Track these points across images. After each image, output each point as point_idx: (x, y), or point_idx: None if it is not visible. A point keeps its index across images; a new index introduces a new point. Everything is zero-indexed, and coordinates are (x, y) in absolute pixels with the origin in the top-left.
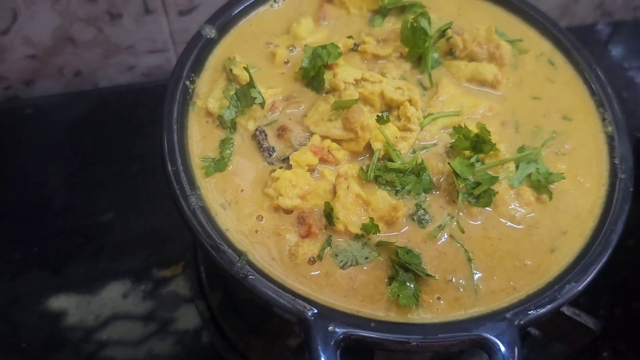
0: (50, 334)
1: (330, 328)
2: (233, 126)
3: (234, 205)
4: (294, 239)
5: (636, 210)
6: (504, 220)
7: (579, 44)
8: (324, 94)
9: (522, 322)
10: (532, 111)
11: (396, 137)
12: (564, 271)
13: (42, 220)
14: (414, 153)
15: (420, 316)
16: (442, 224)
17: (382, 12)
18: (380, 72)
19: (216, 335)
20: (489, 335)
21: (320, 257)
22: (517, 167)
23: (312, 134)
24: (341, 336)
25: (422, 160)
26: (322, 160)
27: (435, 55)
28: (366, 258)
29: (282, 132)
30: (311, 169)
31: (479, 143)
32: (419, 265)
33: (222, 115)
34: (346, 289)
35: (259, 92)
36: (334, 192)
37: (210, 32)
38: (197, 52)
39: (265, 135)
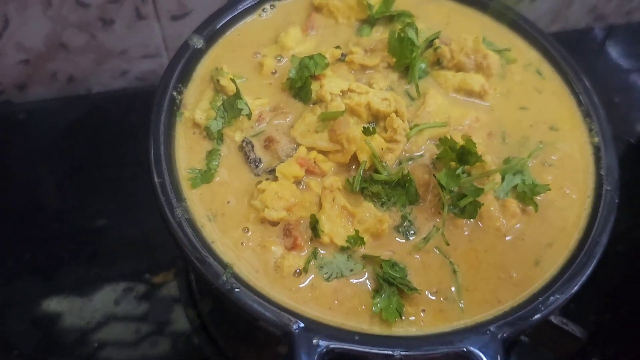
0: (43, 338)
1: (314, 341)
2: (220, 137)
3: (220, 217)
4: (280, 251)
5: (626, 216)
6: (489, 232)
7: (567, 54)
8: (311, 105)
9: (505, 335)
10: (519, 122)
11: (382, 149)
12: (548, 283)
13: (34, 225)
14: (400, 164)
15: (405, 329)
16: (428, 236)
17: (370, 22)
18: (368, 83)
19: (206, 343)
20: (472, 349)
21: (305, 270)
22: (503, 179)
23: (298, 145)
24: (325, 350)
25: (409, 171)
26: (309, 172)
27: (423, 65)
28: (351, 270)
29: (268, 143)
30: (297, 181)
31: (465, 155)
32: (404, 278)
33: (209, 127)
34: (331, 302)
35: (246, 104)
36: (320, 204)
37: (198, 42)
38: (184, 62)
39: (252, 146)
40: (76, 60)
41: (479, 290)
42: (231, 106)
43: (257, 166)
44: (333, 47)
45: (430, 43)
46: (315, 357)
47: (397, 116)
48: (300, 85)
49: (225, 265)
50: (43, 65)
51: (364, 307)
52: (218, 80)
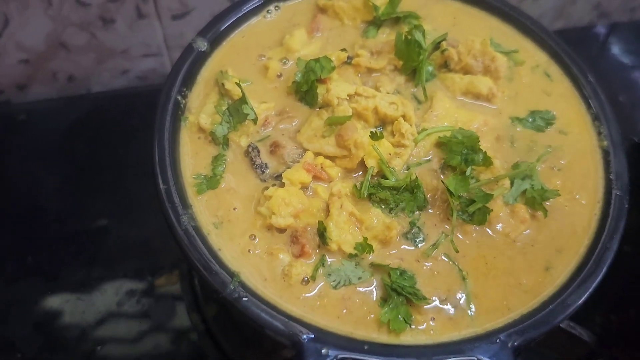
0: (45, 340)
1: (323, 351)
2: (225, 142)
3: (227, 224)
4: (287, 259)
5: (635, 216)
6: (498, 239)
7: (575, 55)
8: (318, 109)
9: (516, 344)
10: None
11: (390, 154)
12: (559, 290)
13: (35, 227)
14: (408, 169)
15: (414, 337)
16: (436, 242)
17: (376, 23)
18: (374, 86)
19: (211, 347)
20: (483, 357)
21: (313, 278)
22: (512, 184)
23: (305, 150)
24: (334, 359)
25: (416, 176)
26: (316, 178)
27: (430, 68)
28: (359, 278)
29: (274, 148)
30: (304, 187)
31: (470, 154)
32: (413, 286)
33: (214, 132)
34: (339, 310)
35: (252, 108)
36: (328, 211)
37: (202, 44)
38: (188, 65)
39: (258, 151)
40: (76, 59)
41: (489, 297)
42: (237, 111)
43: (263, 172)
44: (339, 50)
45: (437, 45)
46: None
47: (404, 120)
48: (307, 89)
49: (232, 274)
50: (43, 65)
51: (372, 315)
52: (223, 84)
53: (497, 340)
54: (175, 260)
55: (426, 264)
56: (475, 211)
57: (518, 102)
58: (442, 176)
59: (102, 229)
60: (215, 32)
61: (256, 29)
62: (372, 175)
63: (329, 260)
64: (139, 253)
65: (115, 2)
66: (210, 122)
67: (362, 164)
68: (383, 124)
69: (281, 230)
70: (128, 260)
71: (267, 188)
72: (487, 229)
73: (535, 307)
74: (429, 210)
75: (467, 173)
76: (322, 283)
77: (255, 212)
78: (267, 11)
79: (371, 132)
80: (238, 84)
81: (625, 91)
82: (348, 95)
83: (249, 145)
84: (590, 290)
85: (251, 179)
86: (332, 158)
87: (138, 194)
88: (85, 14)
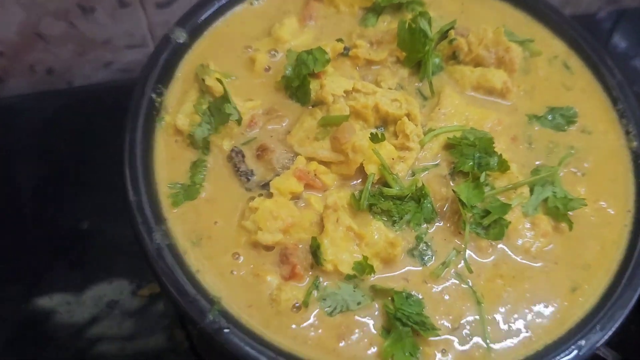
0: (31, 343)
1: None
2: (206, 146)
3: (206, 241)
4: (276, 282)
5: None
6: (517, 256)
7: (597, 44)
8: (310, 107)
9: None
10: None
11: (393, 159)
12: (588, 315)
13: (15, 230)
14: (413, 176)
15: None
16: (447, 260)
17: (375, 10)
18: (374, 80)
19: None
20: None
21: (306, 304)
22: (531, 192)
23: (296, 154)
24: None
25: (423, 184)
26: (308, 186)
27: (437, 60)
28: (358, 303)
29: (261, 152)
30: (295, 197)
31: (483, 157)
32: (421, 313)
33: (192, 134)
34: (335, 342)
35: (235, 107)
36: (322, 225)
37: (180, 35)
38: (164, 59)
39: (243, 156)
40: (55, 51)
41: (508, 324)
42: (218, 110)
43: (248, 179)
44: (334, 40)
45: (444, 34)
46: None
47: (409, 120)
48: (298, 84)
49: (212, 300)
50: (19, 57)
51: (374, 349)
52: (203, 80)
53: None
54: None
55: (435, 286)
56: (490, 224)
57: (535, 97)
58: (452, 183)
59: (85, 230)
60: (196, 21)
61: (242, 18)
62: (372, 183)
63: (323, 282)
64: (124, 255)
65: None
66: (189, 123)
67: (361, 171)
68: (385, 124)
69: (269, 248)
70: (112, 265)
71: (252, 198)
72: (504, 245)
73: (561, 337)
74: (438, 223)
75: (481, 180)
76: (316, 310)
77: (239, 226)
78: None
79: (371, 134)
80: (219, 80)
81: (634, 83)
82: (345, 92)
83: (232, 149)
84: (624, 315)
85: (235, 188)
86: (327, 164)
87: (122, 193)
88: (62, 2)
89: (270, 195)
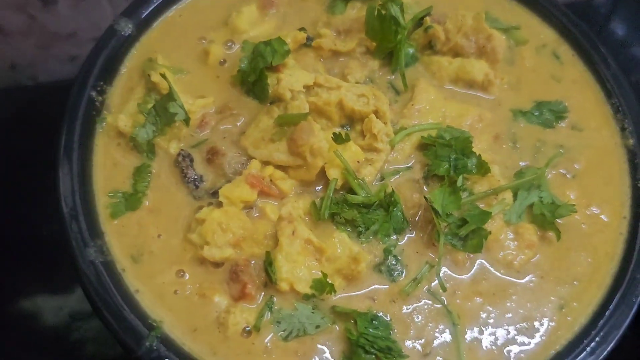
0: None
1: None
2: (151, 150)
3: (148, 256)
4: (225, 302)
5: None
6: (497, 271)
7: (590, 31)
8: (268, 105)
9: None
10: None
11: (359, 162)
12: (576, 338)
13: None
14: (382, 180)
15: None
16: (419, 276)
17: None
18: (341, 73)
19: None
20: None
21: (257, 328)
22: (515, 197)
23: (250, 158)
24: None
25: (393, 190)
26: (263, 194)
27: (411, 50)
28: (317, 327)
29: (212, 156)
30: (248, 206)
31: (460, 159)
32: (388, 338)
33: (135, 136)
34: None
35: (181, 106)
36: (277, 238)
37: (126, 26)
38: (107, 53)
39: (191, 160)
40: (15, 44)
41: (486, 348)
42: (164, 109)
43: (197, 187)
44: (296, 30)
45: (419, 22)
46: None
47: (377, 117)
48: (254, 79)
49: (151, 325)
50: None
51: None
52: (149, 75)
53: None
54: None
55: (405, 306)
56: (468, 234)
57: (521, 90)
58: (426, 188)
59: (53, 234)
60: (144, 10)
61: (197, 6)
62: (335, 189)
63: (277, 303)
64: None
65: None
66: (132, 124)
67: (323, 175)
68: (351, 121)
69: (217, 265)
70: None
71: (200, 208)
72: (484, 258)
73: None
74: (410, 234)
75: (458, 184)
76: (270, 334)
77: (185, 240)
78: None
79: (334, 134)
80: (163, 75)
81: (633, 70)
82: (305, 87)
83: (179, 153)
84: (618, 336)
85: (182, 196)
86: (284, 168)
87: (55, 203)
88: None
89: (220, 205)
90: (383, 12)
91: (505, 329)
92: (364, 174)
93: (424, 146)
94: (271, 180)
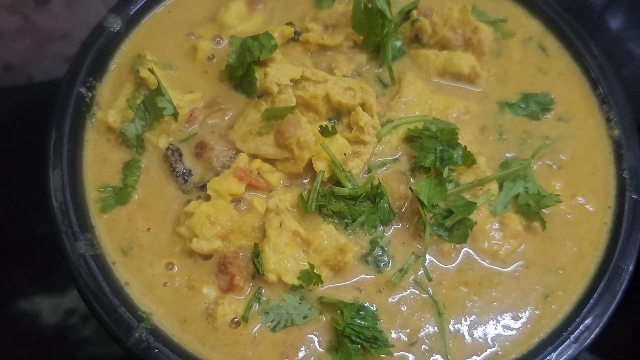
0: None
1: None
2: (140, 144)
3: (138, 249)
4: (213, 294)
5: None
6: (483, 260)
7: (577, 25)
8: (256, 99)
9: None
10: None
11: (345, 154)
12: (561, 325)
13: None
14: (369, 173)
15: None
16: (405, 266)
17: None
18: (329, 67)
19: None
20: None
21: (245, 319)
22: (500, 188)
23: (238, 152)
24: None
25: (380, 182)
26: (251, 187)
27: (398, 43)
28: (304, 317)
29: (200, 150)
30: (236, 199)
31: (446, 151)
32: (374, 327)
33: (124, 131)
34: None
35: (169, 101)
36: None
37: (115, 23)
38: (97, 50)
39: (180, 154)
40: (10, 45)
41: (472, 337)
42: (152, 104)
43: (185, 180)
44: (284, 24)
45: (406, 15)
46: None
47: (364, 110)
48: (242, 73)
49: (140, 317)
50: None
51: None
52: (138, 71)
53: None
54: None
55: (392, 295)
56: (454, 225)
57: (507, 83)
58: (412, 180)
59: (48, 232)
60: (133, 7)
61: (185, 2)
62: (323, 181)
63: (265, 294)
64: None
65: None
66: (121, 119)
67: (310, 168)
68: (338, 114)
69: (206, 257)
70: None
71: (189, 202)
72: (470, 248)
73: (531, 350)
74: (396, 225)
75: (444, 175)
76: (258, 325)
77: (174, 233)
78: None
79: (320, 127)
80: (151, 70)
81: (629, 65)
82: (292, 81)
83: (168, 148)
84: (602, 324)
85: (171, 190)
86: (272, 161)
87: (45, 197)
88: None
89: (208, 198)
90: (369, 5)
91: (490, 318)
92: (351, 167)
93: (411, 138)
94: (259, 174)
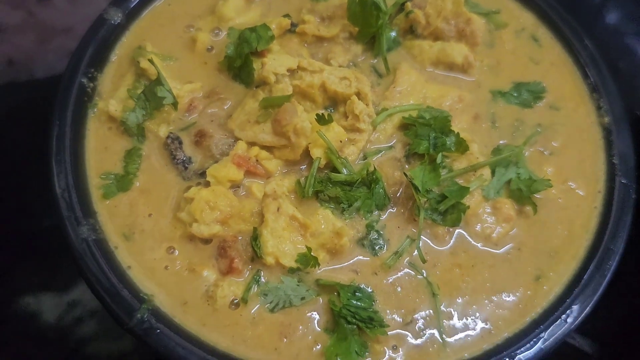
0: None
1: None
2: (141, 133)
3: (139, 234)
4: (213, 277)
5: None
6: (477, 243)
7: (568, 16)
8: (254, 89)
9: None
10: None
11: (341, 141)
12: (552, 305)
13: None
14: (364, 159)
15: None
16: (400, 249)
17: None
18: (325, 58)
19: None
20: None
21: (245, 300)
22: (493, 173)
23: (236, 139)
24: None
25: (375, 168)
26: (249, 173)
27: (393, 34)
28: (302, 298)
29: (200, 138)
30: (235, 185)
31: (439, 137)
32: (369, 308)
33: (125, 120)
34: (277, 340)
35: (169, 90)
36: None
37: (116, 15)
38: (98, 41)
39: (180, 143)
40: (13, 40)
41: (466, 317)
42: (153, 94)
43: (185, 167)
44: (281, 16)
45: (401, 7)
46: None
47: (359, 99)
48: (240, 64)
49: (142, 299)
50: None
51: (319, 346)
52: (139, 62)
53: None
54: None
55: (387, 277)
56: (447, 209)
57: (500, 72)
58: (407, 166)
59: (51, 228)
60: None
61: None
62: (319, 168)
63: (264, 277)
64: None
65: None
66: (122, 109)
67: (307, 155)
68: (334, 103)
69: (206, 241)
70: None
71: (189, 188)
72: (463, 231)
73: (523, 328)
74: (391, 209)
75: (438, 162)
76: (257, 306)
77: (175, 218)
78: None
79: (317, 115)
80: (151, 61)
81: (625, 58)
82: (289, 70)
83: (168, 136)
84: (592, 303)
85: (171, 177)
86: (269, 149)
87: (49, 185)
88: None
89: (208, 184)
90: None
91: (483, 298)
92: (347, 154)
93: (405, 126)
94: (257, 161)
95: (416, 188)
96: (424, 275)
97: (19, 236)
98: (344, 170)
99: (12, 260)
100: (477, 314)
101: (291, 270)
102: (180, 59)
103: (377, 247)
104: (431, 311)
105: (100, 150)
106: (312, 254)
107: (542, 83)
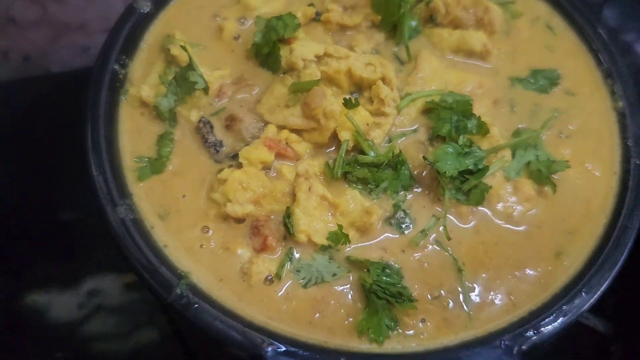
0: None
1: None
2: (172, 118)
3: (174, 214)
4: (247, 254)
5: None
6: (499, 221)
7: (580, 5)
8: (282, 75)
9: (524, 348)
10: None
11: (367, 124)
12: (573, 280)
13: None
14: (390, 142)
15: (402, 344)
16: (426, 228)
17: None
18: (349, 45)
19: (178, 351)
20: None
21: (279, 276)
22: (513, 155)
23: (266, 123)
24: None
25: (400, 150)
26: (280, 156)
27: (413, 22)
28: (334, 275)
29: (230, 122)
30: (266, 167)
31: (461, 121)
32: (398, 284)
33: (158, 105)
34: (311, 314)
35: (201, 75)
36: (294, 194)
37: (145, 5)
38: (129, 29)
39: (211, 127)
40: (29, 36)
41: (490, 291)
42: (184, 80)
43: (217, 151)
44: (306, 5)
45: None
46: None
47: (384, 84)
48: (268, 51)
49: (179, 275)
50: None
51: (351, 319)
52: (169, 50)
53: (501, 344)
54: None
55: (414, 254)
56: (471, 189)
57: (517, 59)
58: (430, 149)
59: (67, 221)
60: None
61: None
62: (347, 150)
63: (296, 254)
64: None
65: None
66: (154, 95)
67: (335, 138)
68: (359, 89)
69: (239, 220)
70: (98, 254)
71: (222, 170)
72: (486, 210)
73: (546, 302)
74: (417, 190)
75: (460, 143)
76: (290, 282)
77: (208, 199)
78: None
79: (344, 99)
80: (183, 47)
81: (625, 56)
82: (316, 57)
83: (200, 120)
84: (610, 278)
85: (204, 159)
86: (298, 132)
87: (85, 168)
88: None
89: (240, 166)
90: None
91: (506, 274)
92: (373, 136)
93: (428, 110)
94: (287, 143)
95: (439, 171)
96: (450, 252)
97: (34, 230)
98: (371, 153)
99: (23, 257)
100: (501, 288)
101: (322, 248)
102: (207, 47)
103: (404, 226)
104: (457, 286)
105: (134, 135)
106: (342, 231)
107: (558, 70)
